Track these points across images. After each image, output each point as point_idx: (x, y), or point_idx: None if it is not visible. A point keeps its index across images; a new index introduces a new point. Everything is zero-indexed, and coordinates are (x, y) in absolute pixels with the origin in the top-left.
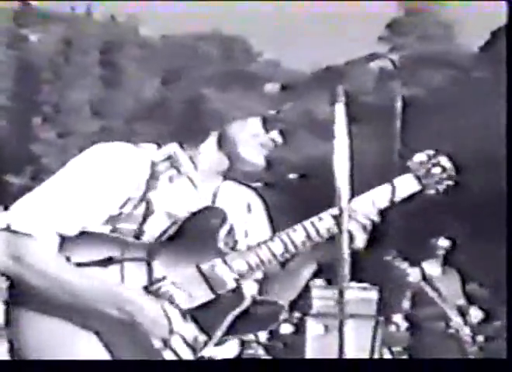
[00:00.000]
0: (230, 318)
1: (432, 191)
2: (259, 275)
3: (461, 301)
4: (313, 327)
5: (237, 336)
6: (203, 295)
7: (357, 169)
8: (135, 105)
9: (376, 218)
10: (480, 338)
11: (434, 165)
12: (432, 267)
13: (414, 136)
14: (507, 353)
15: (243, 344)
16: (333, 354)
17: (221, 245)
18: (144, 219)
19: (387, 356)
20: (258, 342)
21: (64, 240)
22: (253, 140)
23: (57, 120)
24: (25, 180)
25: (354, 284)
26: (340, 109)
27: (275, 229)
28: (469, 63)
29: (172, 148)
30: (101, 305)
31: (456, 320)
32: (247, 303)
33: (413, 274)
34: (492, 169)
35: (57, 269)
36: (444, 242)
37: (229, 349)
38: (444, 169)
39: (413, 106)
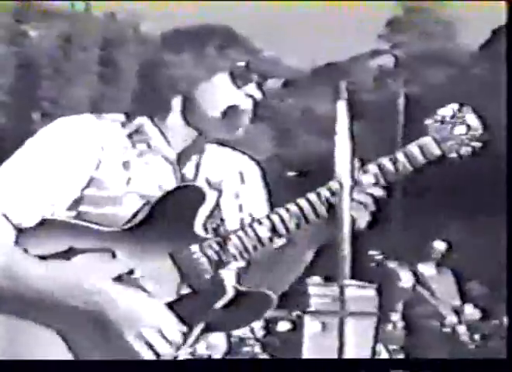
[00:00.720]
0: (211, 311)
1: (454, 155)
2: (241, 263)
3: (457, 301)
4: (310, 324)
5: (223, 332)
6: (177, 289)
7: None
8: (134, 101)
9: (381, 193)
10: (477, 337)
11: (457, 124)
12: (427, 267)
13: (413, 134)
14: (507, 353)
15: (241, 341)
16: (331, 352)
17: (198, 229)
18: (110, 201)
19: (384, 354)
20: (256, 339)
21: (21, 232)
22: (224, 100)
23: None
24: None
25: (351, 281)
26: (342, 106)
27: (273, 205)
28: (469, 62)
29: (140, 120)
30: (66, 299)
31: (452, 319)
32: (229, 295)
33: (405, 278)
34: (492, 169)
35: (19, 264)
36: (440, 245)
37: (216, 346)
38: (469, 128)
39: (412, 104)
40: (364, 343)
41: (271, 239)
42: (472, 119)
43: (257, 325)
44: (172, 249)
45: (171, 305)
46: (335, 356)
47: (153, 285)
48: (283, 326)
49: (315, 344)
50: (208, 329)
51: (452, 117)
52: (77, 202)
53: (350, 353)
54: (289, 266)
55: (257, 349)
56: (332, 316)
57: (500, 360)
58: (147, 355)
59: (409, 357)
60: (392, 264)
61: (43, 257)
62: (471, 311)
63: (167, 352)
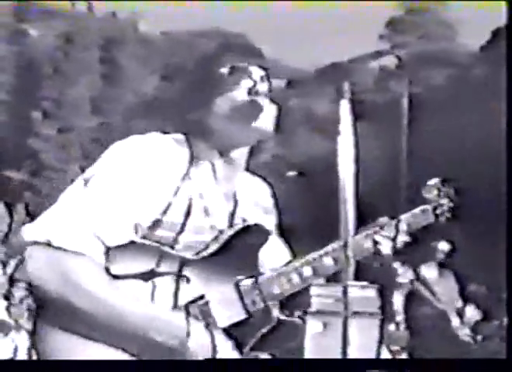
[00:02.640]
0: (257, 336)
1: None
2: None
3: (459, 303)
4: (312, 325)
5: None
6: (238, 314)
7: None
8: (134, 101)
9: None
10: (479, 337)
11: (443, 196)
12: (429, 270)
13: (415, 135)
14: (507, 353)
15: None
16: (332, 352)
17: (261, 264)
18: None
19: (385, 354)
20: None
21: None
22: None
23: (57, 116)
24: (25, 176)
25: (353, 282)
26: (345, 106)
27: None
28: (470, 62)
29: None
30: (150, 332)
31: (454, 320)
32: (273, 323)
33: (404, 274)
34: (492, 169)
35: (104, 290)
36: (443, 246)
37: None
38: (451, 200)
39: (413, 104)
40: (368, 344)
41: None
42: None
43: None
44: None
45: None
46: (337, 356)
47: (220, 311)
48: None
49: (316, 344)
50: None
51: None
52: (156, 225)
53: (353, 354)
54: None
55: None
56: (334, 316)
57: (500, 360)
58: None
59: (411, 358)
60: (394, 264)
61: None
62: (472, 313)
63: None
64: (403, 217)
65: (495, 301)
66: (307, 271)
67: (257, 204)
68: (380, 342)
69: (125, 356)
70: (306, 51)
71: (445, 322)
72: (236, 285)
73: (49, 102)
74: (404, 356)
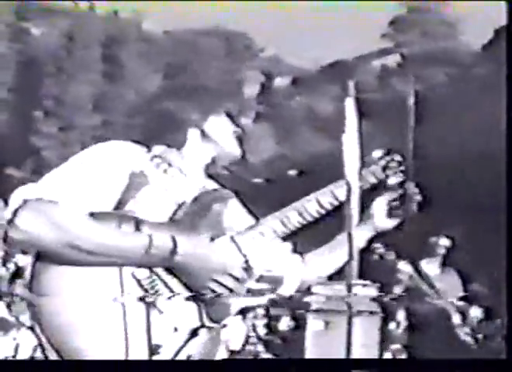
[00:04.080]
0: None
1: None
2: None
3: (461, 301)
4: (313, 323)
5: None
6: None
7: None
8: (136, 99)
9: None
10: (480, 336)
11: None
12: (430, 266)
13: (416, 133)
14: (507, 353)
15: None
16: (334, 350)
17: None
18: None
19: (386, 353)
20: (259, 338)
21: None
22: (230, 134)
23: (59, 114)
24: (26, 174)
25: (356, 281)
26: (350, 104)
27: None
28: (472, 61)
29: (159, 149)
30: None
31: (455, 318)
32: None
33: (404, 270)
34: (493, 166)
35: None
36: (444, 242)
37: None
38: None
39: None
40: (369, 343)
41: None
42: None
43: (260, 324)
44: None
45: None
46: (338, 355)
47: None
48: (286, 325)
49: (318, 343)
50: None
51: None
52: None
53: (354, 353)
54: None
55: (260, 347)
56: (335, 315)
57: (500, 360)
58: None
59: (412, 356)
60: (395, 260)
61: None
62: (474, 311)
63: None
64: None
65: (497, 300)
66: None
67: None
68: (381, 342)
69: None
70: (308, 50)
71: (446, 321)
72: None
73: (51, 100)
74: (404, 355)
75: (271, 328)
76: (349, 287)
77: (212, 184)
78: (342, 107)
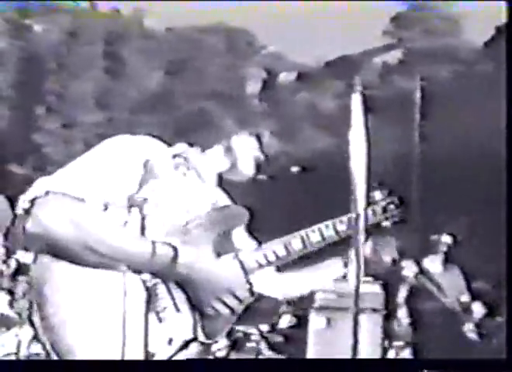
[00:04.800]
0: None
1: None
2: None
3: (465, 298)
4: (315, 320)
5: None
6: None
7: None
8: (139, 96)
9: None
10: (483, 333)
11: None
12: (433, 264)
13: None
14: (507, 353)
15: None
16: (335, 348)
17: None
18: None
19: (389, 350)
20: (262, 336)
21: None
22: (249, 154)
23: (61, 111)
24: (28, 170)
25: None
26: (356, 99)
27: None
28: (474, 58)
29: (182, 147)
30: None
31: (458, 315)
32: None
33: (409, 268)
34: (494, 162)
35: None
36: (446, 239)
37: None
38: (397, 206)
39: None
40: (372, 340)
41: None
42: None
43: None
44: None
45: None
46: (340, 352)
47: None
48: (288, 322)
49: (320, 340)
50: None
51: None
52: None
53: (359, 349)
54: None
55: (263, 344)
56: (338, 312)
57: (500, 360)
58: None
59: (415, 353)
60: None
61: None
62: (477, 308)
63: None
64: None
65: (499, 297)
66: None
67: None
68: (384, 338)
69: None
70: (310, 47)
71: (450, 318)
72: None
73: (53, 97)
74: (408, 351)
75: (273, 325)
76: (357, 286)
77: (222, 195)
78: (345, 103)
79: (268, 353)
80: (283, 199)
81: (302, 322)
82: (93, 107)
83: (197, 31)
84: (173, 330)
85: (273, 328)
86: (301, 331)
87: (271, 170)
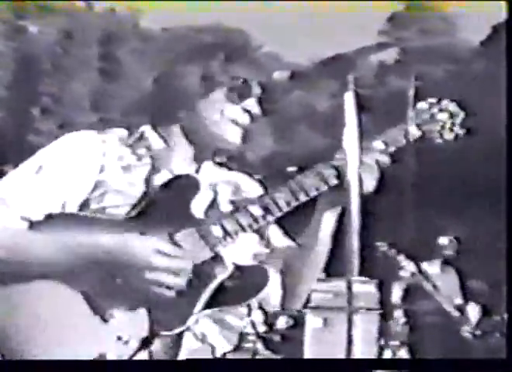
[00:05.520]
0: (211, 287)
1: (438, 140)
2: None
3: (460, 300)
4: (311, 320)
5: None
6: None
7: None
8: (134, 97)
9: (386, 159)
10: (479, 333)
11: (439, 111)
12: (431, 265)
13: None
14: (507, 353)
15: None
16: (333, 348)
17: (197, 213)
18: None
19: (385, 349)
20: (258, 336)
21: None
22: (221, 116)
23: (57, 112)
24: None
25: (355, 277)
26: (349, 98)
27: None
28: (470, 57)
29: (144, 129)
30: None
31: (454, 315)
32: (228, 272)
33: (408, 267)
34: (493, 163)
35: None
36: (444, 241)
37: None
38: (451, 115)
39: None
40: (368, 339)
41: (264, 217)
42: (452, 107)
43: (259, 320)
44: (172, 230)
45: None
46: (337, 352)
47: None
48: (284, 322)
49: (316, 340)
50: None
51: (431, 107)
52: (85, 203)
53: (353, 350)
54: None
55: (259, 344)
56: (334, 312)
57: (500, 360)
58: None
59: (411, 352)
60: (396, 256)
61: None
62: (473, 308)
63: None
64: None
65: (495, 297)
66: (255, 210)
67: None
68: (380, 338)
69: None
70: (305, 46)
71: (446, 317)
72: (170, 235)
73: (48, 98)
74: (404, 351)
75: (270, 325)
76: (349, 285)
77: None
78: (340, 102)
79: (265, 353)
80: None
81: (298, 322)
82: (88, 108)
83: (192, 31)
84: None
85: (270, 329)
86: (298, 331)
87: (267, 170)
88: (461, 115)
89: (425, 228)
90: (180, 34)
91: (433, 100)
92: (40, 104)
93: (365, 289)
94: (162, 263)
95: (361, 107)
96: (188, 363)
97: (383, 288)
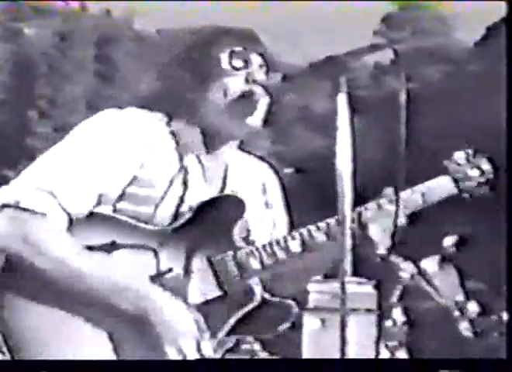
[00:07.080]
0: (234, 318)
1: (467, 195)
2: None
3: (460, 297)
4: (309, 322)
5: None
6: (211, 290)
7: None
8: (130, 99)
9: (404, 221)
10: (478, 332)
11: (472, 167)
12: (429, 263)
13: (409, 130)
14: (507, 352)
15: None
16: (330, 349)
17: (236, 237)
18: (157, 203)
19: (383, 350)
20: (255, 338)
21: (72, 221)
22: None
23: (53, 114)
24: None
25: (351, 278)
26: (342, 100)
27: (291, 214)
28: (465, 58)
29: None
30: (115, 299)
31: (454, 315)
32: (255, 303)
33: (407, 269)
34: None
35: (67, 252)
36: (447, 241)
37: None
38: (482, 172)
39: (408, 100)
40: (366, 341)
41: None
42: (484, 164)
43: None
44: (209, 253)
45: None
46: (335, 353)
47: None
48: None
49: (314, 341)
50: (230, 334)
51: (467, 160)
52: (119, 199)
53: (351, 351)
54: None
55: (256, 346)
56: (332, 313)
57: (500, 360)
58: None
59: (410, 353)
60: (394, 259)
61: (89, 248)
62: (472, 307)
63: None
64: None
65: (494, 295)
66: (294, 246)
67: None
68: (378, 339)
69: (85, 325)
70: (300, 47)
71: (445, 317)
72: (209, 259)
73: (44, 101)
74: (402, 352)
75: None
76: (343, 285)
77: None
78: (335, 103)
79: (262, 355)
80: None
81: (296, 323)
82: (85, 110)
83: (188, 33)
84: None
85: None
86: (295, 332)
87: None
88: (491, 174)
89: (425, 228)
90: (176, 35)
91: (469, 151)
92: (37, 106)
93: (361, 290)
94: None
95: (354, 109)
96: (185, 363)
97: (380, 289)
